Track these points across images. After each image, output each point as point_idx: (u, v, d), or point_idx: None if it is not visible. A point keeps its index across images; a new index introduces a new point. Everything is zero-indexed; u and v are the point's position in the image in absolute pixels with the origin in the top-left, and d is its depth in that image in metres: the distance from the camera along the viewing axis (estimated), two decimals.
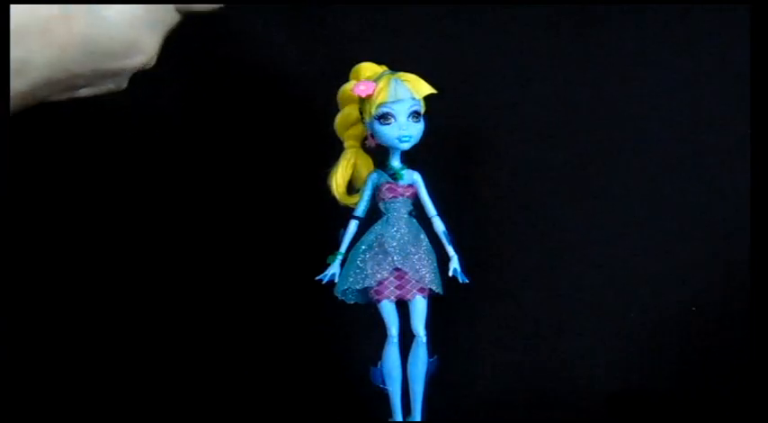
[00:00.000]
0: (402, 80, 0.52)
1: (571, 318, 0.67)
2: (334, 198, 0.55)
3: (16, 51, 0.33)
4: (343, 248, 0.54)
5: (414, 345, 0.54)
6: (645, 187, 0.66)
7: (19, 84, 0.34)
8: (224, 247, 0.66)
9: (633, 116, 0.66)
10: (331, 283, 0.54)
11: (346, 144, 0.56)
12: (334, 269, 0.54)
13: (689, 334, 0.66)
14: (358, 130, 0.55)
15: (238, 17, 0.63)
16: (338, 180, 0.55)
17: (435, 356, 0.54)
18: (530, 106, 0.66)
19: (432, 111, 0.53)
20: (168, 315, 0.66)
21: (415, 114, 0.52)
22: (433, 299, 0.54)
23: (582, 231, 0.67)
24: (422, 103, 0.52)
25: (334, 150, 0.56)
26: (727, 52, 0.64)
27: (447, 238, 0.54)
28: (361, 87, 0.52)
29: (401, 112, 0.51)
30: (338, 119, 0.55)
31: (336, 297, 0.54)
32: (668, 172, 0.66)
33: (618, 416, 0.65)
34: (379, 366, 0.54)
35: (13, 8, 0.32)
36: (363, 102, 0.52)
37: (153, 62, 0.39)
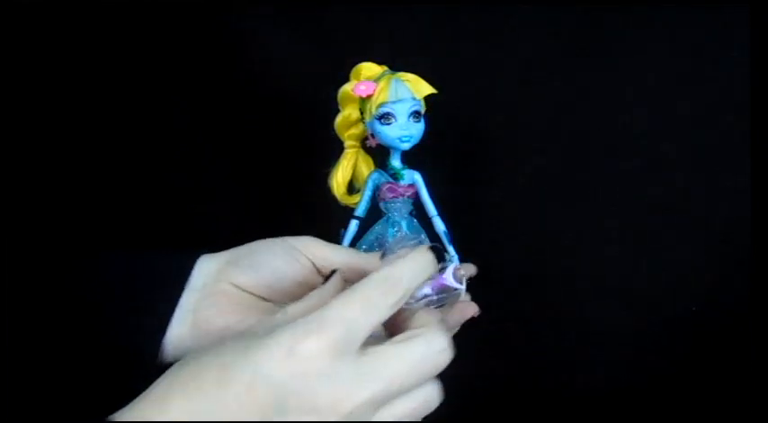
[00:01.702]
0: (402, 80, 0.52)
1: (571, 318, 0.67)
2: (334, 198, 0.55)
3: None
4: None
5: None
6: (645, 187, 0.66)
7: None
8: (224, 248, 0.66)
9: (633, 116, 0.66)
10: None
11: (347, 144, 0.56)
12: None
13: (689, 334, 0.66)
14: (358, 130, 0.55)
15: (238, 17, 0.63)
16: (339, 180, 0.55)
17: None
18: (530, 106, 0.66)
19: (432, 110, 0.53)
20: None
21: (416, 114, 0.52)
22: None
23: (582, 231, 0.66)
24: (422, 103, 0.52)
25: (334, 150, 0.56)
26: (728, 52, 0.64)
27: (447, 238, 0.54)
28: (362, 87, 0.52)
29: (402, 111, 0.51)
30: (339, 119, 0.55)
31: None
32: (668, 172, 0.66)
33: (618, 416, 0.65)
34: None
35: None
36: (364, 102, 0.52)
37: None
